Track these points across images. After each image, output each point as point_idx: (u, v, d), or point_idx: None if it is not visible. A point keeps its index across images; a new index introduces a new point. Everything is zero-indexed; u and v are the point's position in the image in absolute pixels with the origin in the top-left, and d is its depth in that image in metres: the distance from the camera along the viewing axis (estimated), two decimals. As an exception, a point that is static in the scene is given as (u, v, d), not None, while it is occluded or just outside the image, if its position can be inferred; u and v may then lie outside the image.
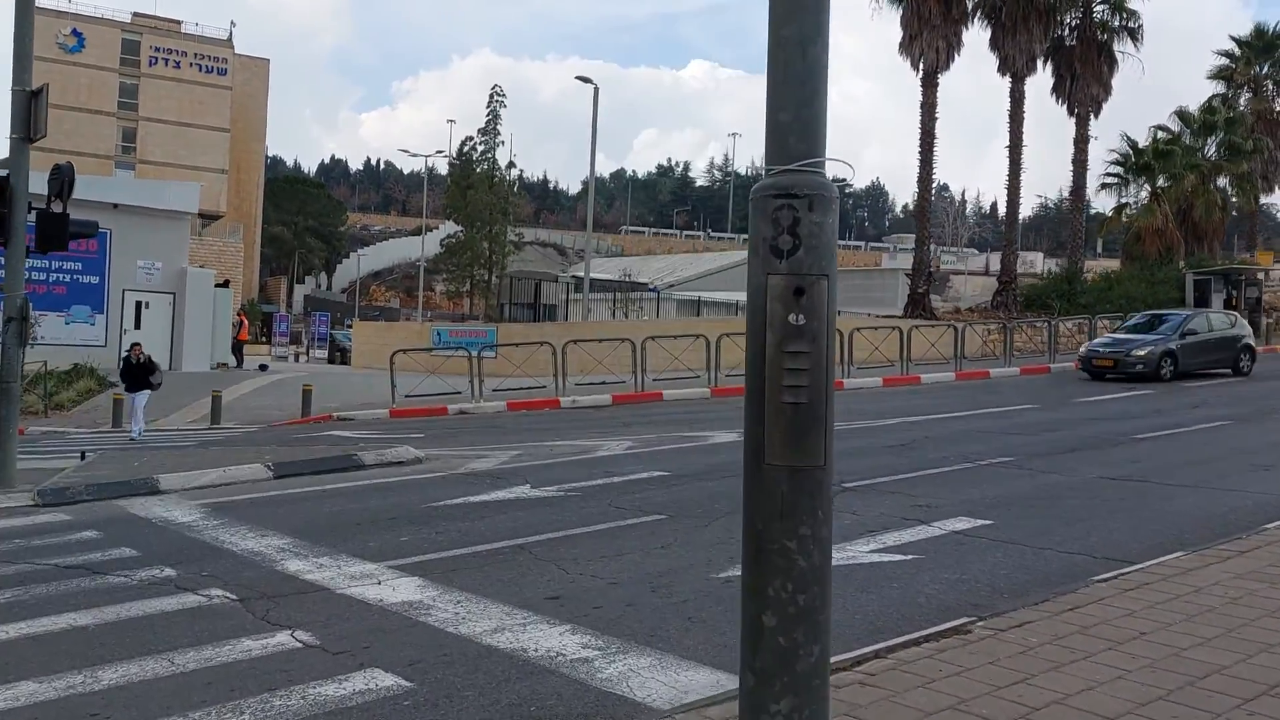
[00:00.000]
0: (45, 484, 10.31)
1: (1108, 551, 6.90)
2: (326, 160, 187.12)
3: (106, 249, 27.33)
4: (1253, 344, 22.50)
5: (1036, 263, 57.01)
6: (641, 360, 21.65)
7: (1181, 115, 38.65)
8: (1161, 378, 20.54)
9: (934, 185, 31.69)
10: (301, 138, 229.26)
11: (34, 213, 10.65)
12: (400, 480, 10.87)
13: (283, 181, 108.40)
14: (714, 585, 6.27)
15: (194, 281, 29.70)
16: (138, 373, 17.68)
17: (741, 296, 61.94)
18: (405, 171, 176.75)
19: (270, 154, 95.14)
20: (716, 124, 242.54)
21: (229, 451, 12.77)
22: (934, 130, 30.43)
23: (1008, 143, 32.64)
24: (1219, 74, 43.27)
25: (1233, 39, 44.17)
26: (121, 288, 28.65)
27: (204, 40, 76.20)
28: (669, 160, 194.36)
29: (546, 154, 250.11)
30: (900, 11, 30.29)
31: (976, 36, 32.78)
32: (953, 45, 29.86)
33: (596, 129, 34.70)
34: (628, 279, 52.90)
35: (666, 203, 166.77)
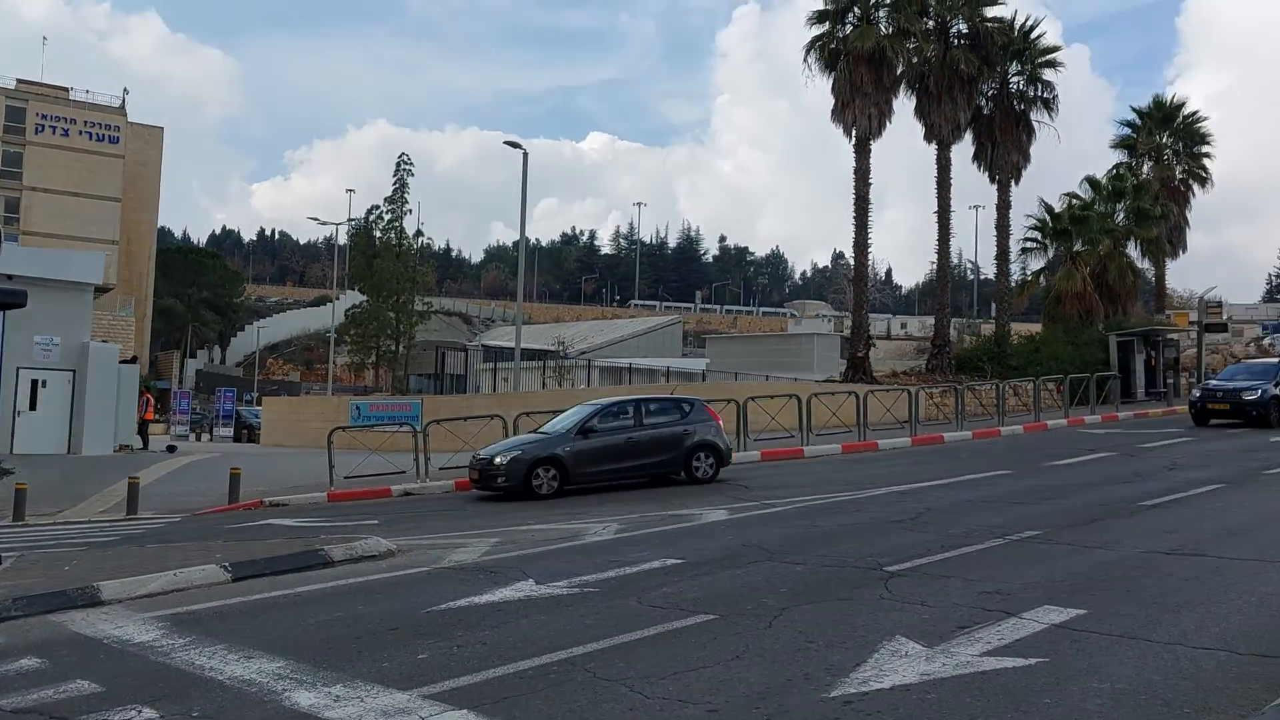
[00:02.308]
0: (-40, 600, 8.70)
1: (1249, 645, 6.17)
2: (217, 231, 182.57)
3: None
4: (719, 441, 17.25)
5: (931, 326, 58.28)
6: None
7: (1091, 182, 40.03)
8: (538, 494, 16.00)
9: (868, 250, 31.72)
10: (190, 208, 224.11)
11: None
12: (381, 579, 9.60)
13: (175, 252, 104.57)
14: (834, 708, 5.28)
15: (96, 357, 27.45)
16: None
17: (671, 363, 61.45)
18: (301, 242, 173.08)
19: (158, 224, 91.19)
20: (616, 194, 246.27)
21: (169, 549, 11.24)
22: (868, 195, 30.65)
23: (935, 209, 33.13)
24: (1122, 143, 45.33)
25: (1134, 110, 46.88)
26: (15, 365, 26.31)
27: (95, 108, 73.16)
28: (572, 229, 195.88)
29: (446, 223, 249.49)
30: (831, 80, 30.59)
31: (901, 105, 33.33)
32: (884, 112, 30.23)
33: (526, 194, 33.90)
34: (562, 347, 51.92)
35: (573, 270, 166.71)
